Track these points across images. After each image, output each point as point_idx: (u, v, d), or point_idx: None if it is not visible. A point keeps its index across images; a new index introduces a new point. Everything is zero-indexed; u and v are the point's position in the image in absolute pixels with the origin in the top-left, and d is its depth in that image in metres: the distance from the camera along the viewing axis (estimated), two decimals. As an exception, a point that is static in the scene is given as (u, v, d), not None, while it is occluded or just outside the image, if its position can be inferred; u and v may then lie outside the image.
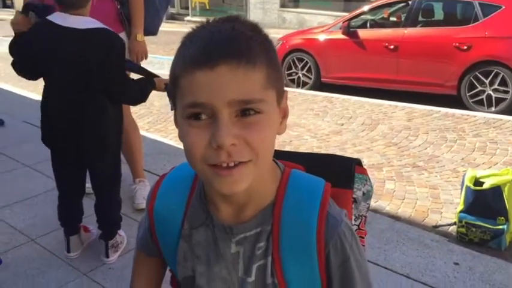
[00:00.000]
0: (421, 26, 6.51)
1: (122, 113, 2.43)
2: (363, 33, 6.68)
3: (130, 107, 3.05)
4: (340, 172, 0.96)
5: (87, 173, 2.48)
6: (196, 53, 0.73)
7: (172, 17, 16.91)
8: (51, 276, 2.43)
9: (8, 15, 18.68)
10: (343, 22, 6.81)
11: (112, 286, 2.36)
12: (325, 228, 0.82)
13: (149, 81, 2.36)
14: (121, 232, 2.62)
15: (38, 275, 2.44)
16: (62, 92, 2.23)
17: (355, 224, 0.99)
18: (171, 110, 0.85)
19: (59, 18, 2.14)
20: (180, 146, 4.05)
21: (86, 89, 2.18)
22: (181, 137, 0.79)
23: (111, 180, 2.46)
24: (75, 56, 2.14)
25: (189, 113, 0.75)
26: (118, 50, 2.21)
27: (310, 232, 0.82)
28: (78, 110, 2.22)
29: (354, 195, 0.97)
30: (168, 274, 1.08)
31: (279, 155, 0.84)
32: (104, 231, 2.52)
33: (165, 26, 3.19)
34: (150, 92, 2.37)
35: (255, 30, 0.77)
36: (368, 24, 6.94)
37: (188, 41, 0.77)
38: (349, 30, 6.69)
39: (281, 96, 0.81)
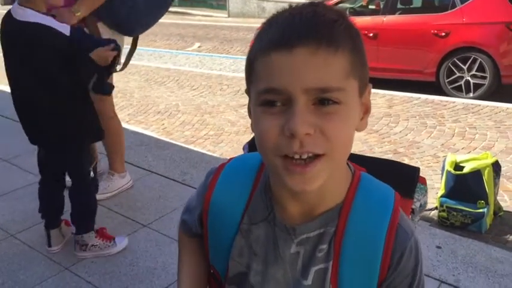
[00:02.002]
0: (400, 14, 6.55)
1: (87, 105, 2.36)
2: (342, 21, 6.68)
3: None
4: (403, 180, 0.91)
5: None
6: (274, 35, 0.69)
7: (151, 8, 16.69)
8: (33, 272, 2.39)
9: (-19, 7, 18.21)
10: (323, 10, 6.80)
11: (95, 280, 2.33)
12: (394, 240, 0.77)
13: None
14: (97, 241, 2.47)
15: (19, 270, 2.40)
16: (16, 84, 2.27)
17: None
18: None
19: (12, 9, 2.17)
20: (161, 137, 3.98)
21: (33, 81, 2.20)
22: (254, 126, 0.74)
23: (74, 170, 2.42)
24: (19, 49, 2.16)
25: (263, 100, 0.71)
26: (48, 43, 2.14)
27: (376, 242, 0.77)
28: (30, 103, 2.25)
29: (413, 206, 0.91)
30: None
31: None
32: (72, 222, 2.47)
33: (143, 16, 3.10)
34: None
35: (339, 15, 0.72)
36: (347, 13, 6.93)
37: (267, 25, 0.73)
38: (329, 19, 6.68)
39: (364, 88, 0.75)
